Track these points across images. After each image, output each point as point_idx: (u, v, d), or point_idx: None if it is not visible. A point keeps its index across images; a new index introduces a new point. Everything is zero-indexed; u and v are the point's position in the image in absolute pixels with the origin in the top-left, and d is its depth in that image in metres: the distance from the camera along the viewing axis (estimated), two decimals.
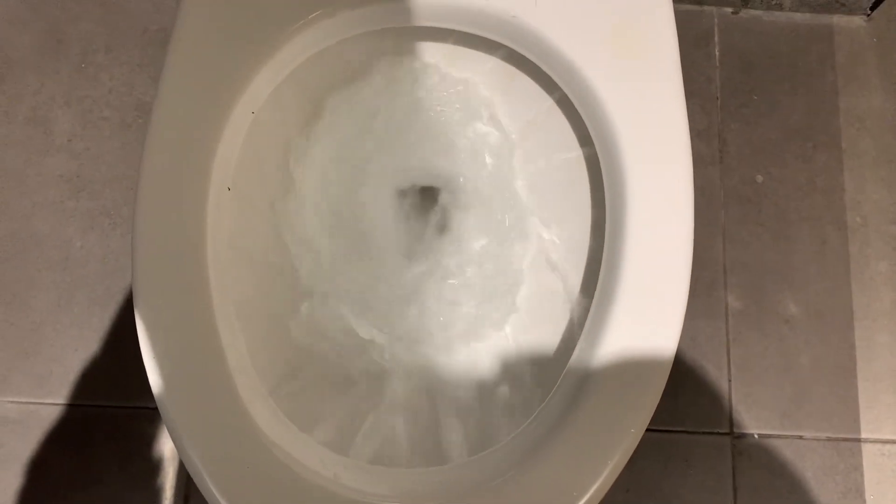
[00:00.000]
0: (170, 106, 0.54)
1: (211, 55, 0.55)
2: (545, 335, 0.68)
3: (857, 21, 1.01)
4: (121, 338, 0.90)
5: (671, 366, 0.53)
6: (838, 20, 1.01)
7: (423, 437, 0.61)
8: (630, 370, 0.52)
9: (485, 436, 0.63)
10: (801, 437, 0.89)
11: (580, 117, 0.60)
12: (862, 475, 0.88)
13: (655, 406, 0.52)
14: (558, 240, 0.71)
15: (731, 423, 0.90)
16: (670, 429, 0.89)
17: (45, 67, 0.97)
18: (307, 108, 0.69)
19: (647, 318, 0.53)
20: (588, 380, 0.52)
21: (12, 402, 0.88)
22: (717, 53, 1.00)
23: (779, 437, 0.89)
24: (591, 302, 0.56)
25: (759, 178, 0.97)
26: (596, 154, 0.59)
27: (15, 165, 0.94)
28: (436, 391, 0.66)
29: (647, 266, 0.54)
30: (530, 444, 0.52)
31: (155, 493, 0.86)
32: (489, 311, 0.71)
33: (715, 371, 0.91)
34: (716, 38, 1.01)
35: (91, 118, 0.96)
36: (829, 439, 0.89)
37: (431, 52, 0.69)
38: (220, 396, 0.50)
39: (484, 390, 0.66)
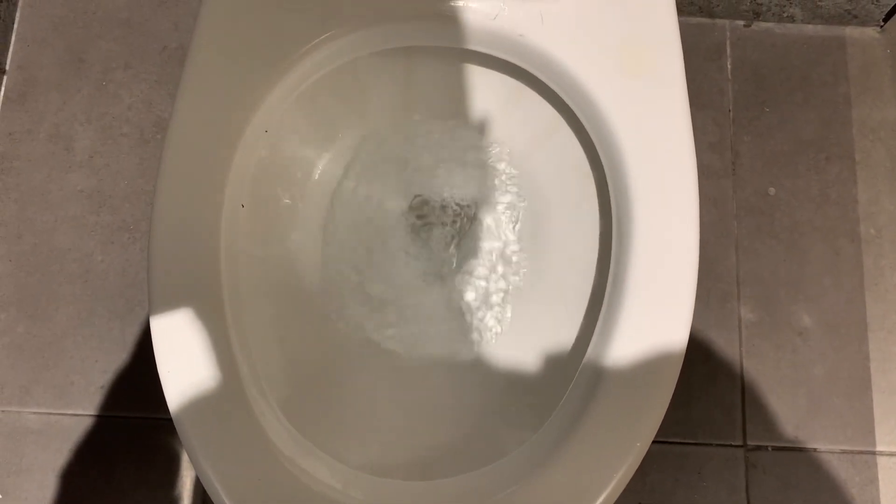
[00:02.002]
0: (184, 125, 0.55)
1: (224, 74, 0.57)
2: (555, 344, 0.69)
3: (870, 32, 1.01)
4: (140, 349, 0.92)
5: (680, 367, 0.53)
6: (851, 32, 1.01)
7: (433, 448, 0.62)
8: (639, 374, 0.52)
9: (495, 446, 0.64)
10: (815, 450, 0.89)
11: (587, 133, 0.61)
12: (878, 489, 0.88)
13: (665, 410, 0.52)
14: (567, 248, 0.72)
15: (745, 435, 0.89)
16: (683, 441, 0.89)
17: (67, 85, 0.99)
18: (321, 125, 0.70)
19: (656, 322, 0.53)
20: (597, 387, 0.52)
21: (34, 412, 0.90)
22: (729, 66, 1.01)
23: (793, 449, 0.89)
24: (599, 309, 0.57)
25: (772, 190, 0.97)
26: (602, 168, 0.60)
27: (38, 181, 0.96)
28: (448, 402, 0.67)
29: (654, 273, 0.55)
30: (540, 454, 0.52)
31: (173, 502, 0.88)
32: (500, 318, 0.72)
33: (728, 383, 0.91)
34: (728, 51, 1.01)
35: (111, 134, 0.98)
36: (843, 452, 0.89)
37: (441, 70, 0.70)
38: (233, 411, 0.51)
39: (495, 400, 0.67)
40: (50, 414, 0.90)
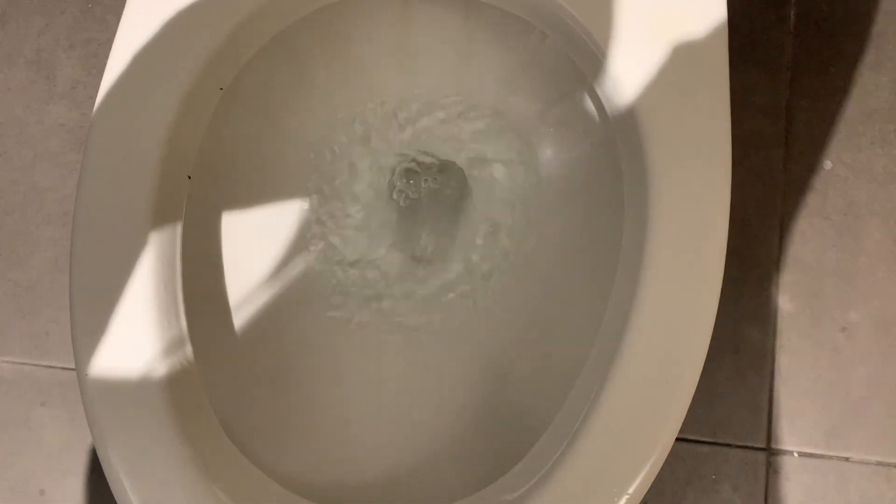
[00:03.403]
0: (114, 84, 0.47)
1: (168, 22, 0.48)
2: (565, 340, 0.61)
3: None
4: None
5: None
6: None
7: (418, 467, 0.54)
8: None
9: (493, 463, 0.56)
10: (847, 460, 0.80)
11: (602, 102, 0.51)
12: None
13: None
14: (569, 221, 0.63)
15: (769, 437, 0.81)
16: (699, 439, 0.81)
17: (50, 7, 0.91)
18: (298, 81, 0.61)
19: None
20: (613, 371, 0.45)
21: (7, 362, 0.85)
22: (792, 17, 0.87)
23: (822, 457, 0.80)
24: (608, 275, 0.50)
25: (829, 164, 0.85)
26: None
27: (16, 112, 0.89)
28: (441, 402, 0.59)
29: (676, 259, 0.46)
30: (551, 458, 0.45)
31: None
32: (493, 291, 0.63)
33: (756, 379, 0.82)
34: (792, 0, 0.88)
35: (96, 63, 0.90)
36: (879, 464, 0.80)
37: (443, 20, 0.60)
38: (163, 436, 0.43)
39: (495, 394, 0.59)
40: (24, 364, 0.85)
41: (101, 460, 0.43)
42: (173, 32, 0.47)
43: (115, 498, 0.43)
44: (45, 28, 0.90)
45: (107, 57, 0.88)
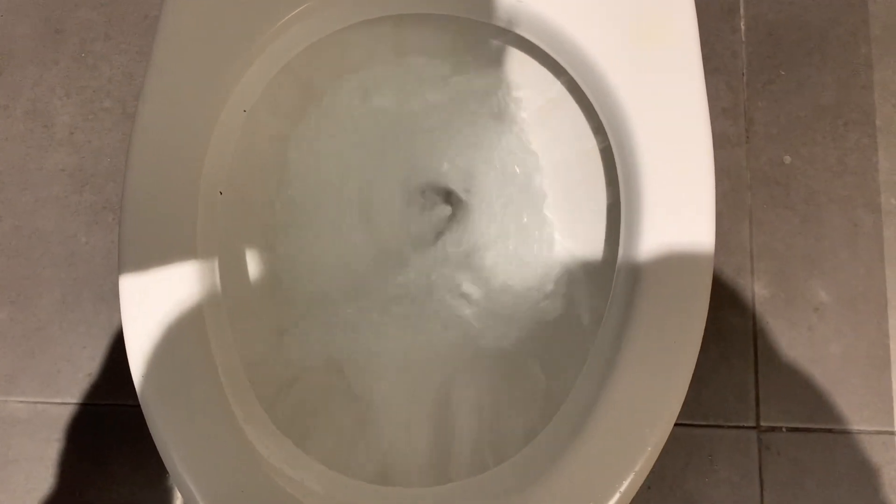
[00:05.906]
0: (154, 107, 0.50)
1: (197, 52, 0.52)
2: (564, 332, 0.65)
3: None
4: None
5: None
6: None
7: (430, 450, 0.58)
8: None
9: (498, 447, 0.60)
10: (831, 431, 0.86)
11: (593, 106, 0.56)
12: None
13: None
14: (571, 226, 0.68)
15: (758, 416, 0.86)
16: (694, 423, 0.86)
17: (44, 58, 0.94)
18: (305, 103, 0.65)
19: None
20: (613, 369, 0.49)
21: (21, 401, 0.87)
22: (742, 27, 0.95)
23: (808, 430, 0.86)
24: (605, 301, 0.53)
25: (788, 159, 0.92)
26: (609, 144, 0.55)
27: (16, 160, 0.92)
28: (444, 398, 0.63)
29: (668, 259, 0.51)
30: (552, 449, 0.49)
31: (167, 492, 0.85)
32: (499, 307, 0.68)
33: (741, 362, 0.87)
34: (741, 11, 0.95)
35: (92, 109, 0.93)
36: (861, 432, 0.85)
37: (434, 41, 0.65)
38: (213, 416, 0.47)
39: (495, 399, 0.63)
40: (37, 403, 0.87)
41: (159, 448, 0.47)
42: (205, 58, 0.52)
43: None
44: (39, 78, 0.94)
45: (101, 103, 0.92)
